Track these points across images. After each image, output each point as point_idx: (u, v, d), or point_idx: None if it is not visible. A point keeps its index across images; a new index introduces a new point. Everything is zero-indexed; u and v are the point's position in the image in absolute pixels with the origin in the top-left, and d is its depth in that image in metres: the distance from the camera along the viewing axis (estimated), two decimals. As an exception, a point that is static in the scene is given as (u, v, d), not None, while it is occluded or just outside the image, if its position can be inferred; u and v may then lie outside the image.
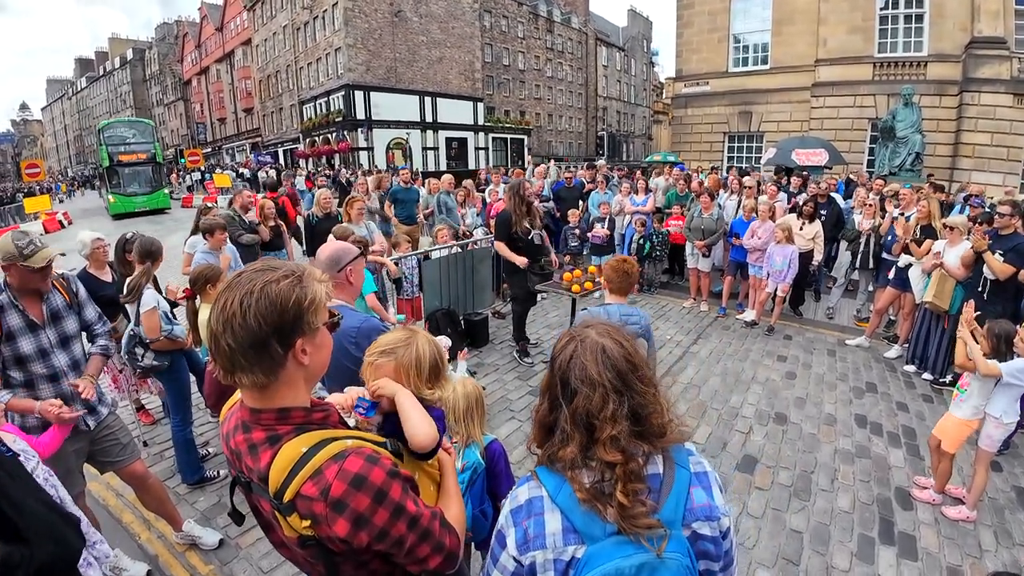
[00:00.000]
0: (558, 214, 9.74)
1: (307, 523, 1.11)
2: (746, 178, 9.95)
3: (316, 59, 38.27)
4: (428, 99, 38.85)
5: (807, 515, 3.64)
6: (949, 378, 5.59)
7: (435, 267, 6.39)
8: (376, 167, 33.73)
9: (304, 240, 6.71)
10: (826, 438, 4.63)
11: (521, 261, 5.65)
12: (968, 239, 5.37)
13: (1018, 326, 3.55)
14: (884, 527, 3.54)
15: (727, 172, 14.20)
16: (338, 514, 1.08)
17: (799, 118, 18.72)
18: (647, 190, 9.73)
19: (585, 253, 8.95)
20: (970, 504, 3.60)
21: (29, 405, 2.55)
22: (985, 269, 5.01)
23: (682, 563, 1.09)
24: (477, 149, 42.82)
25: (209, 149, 55.51)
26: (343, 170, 26.31)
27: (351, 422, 1.55)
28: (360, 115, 35.41)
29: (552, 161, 15.39)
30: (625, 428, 1.14)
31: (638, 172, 15.81)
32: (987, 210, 6.84)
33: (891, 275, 6.39)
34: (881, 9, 16.74)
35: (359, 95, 35.16)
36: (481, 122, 42.97)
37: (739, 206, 8.30)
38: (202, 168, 34.82)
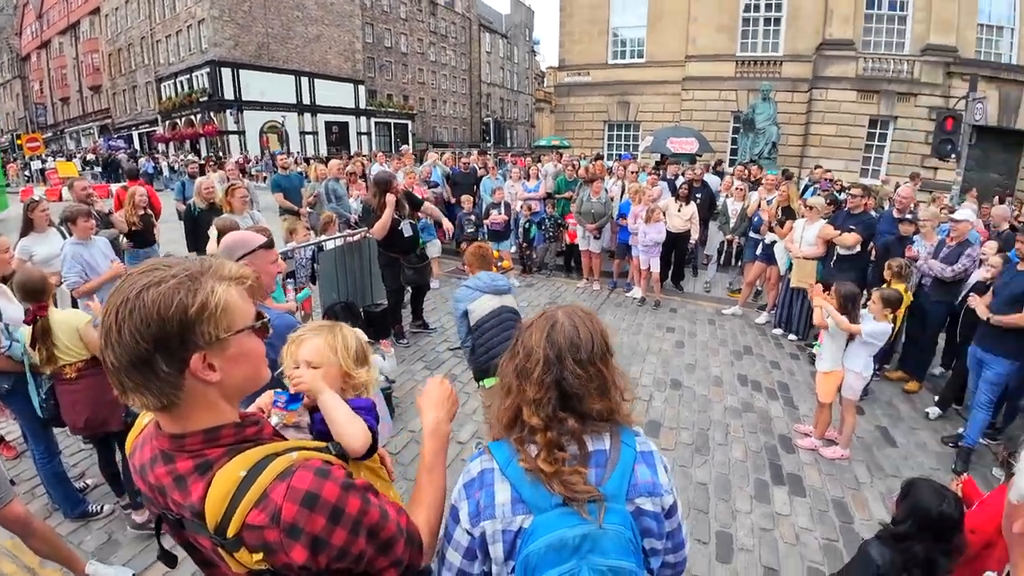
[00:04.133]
0: (453, 199, 9.67)
1: (259, 556, 0.95)
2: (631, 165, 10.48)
3: (176, 31, 34.70)
4: (305, 80, 36.78)
5: (709, 468, 3.97)
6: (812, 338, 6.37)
7: (330, 258, 5.94)
8: (246, 152, 31.41)
9: (185, 233, 6.04)
10: (716, 397, 5.08)
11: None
12: (823, 219, 6.18)
13: (865, 291, 4.13)
14: (774, 471, 3.97)
15: (610, 161, 14.86)
16: (294, 540, 0.94)
17: (671, 109, 20.02)
18: (537, 176, 9.92)
19: (480, 238, 8.96)
20: (843, 444, 4.16)
21: None
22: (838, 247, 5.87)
23: (624, 535, 1.13)
24: (359, 134, 41.34)
25: (50, 133, 48.25)
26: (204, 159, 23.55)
27: (274, 420, 1.42)
28: (228, 95, 32.73)
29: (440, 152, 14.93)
30: (548, 397, 1.19)
31: (527, 159, 16.09)
32: (834, 194, 7.85)
33: (758, 251, 7.11)
34: (744, 11, 18.34)
35: (227, 73, 32.43)
36: (363, 106, 41.48)
37: (623, 190, 8.77)
38: (42, 156, 29.49)
